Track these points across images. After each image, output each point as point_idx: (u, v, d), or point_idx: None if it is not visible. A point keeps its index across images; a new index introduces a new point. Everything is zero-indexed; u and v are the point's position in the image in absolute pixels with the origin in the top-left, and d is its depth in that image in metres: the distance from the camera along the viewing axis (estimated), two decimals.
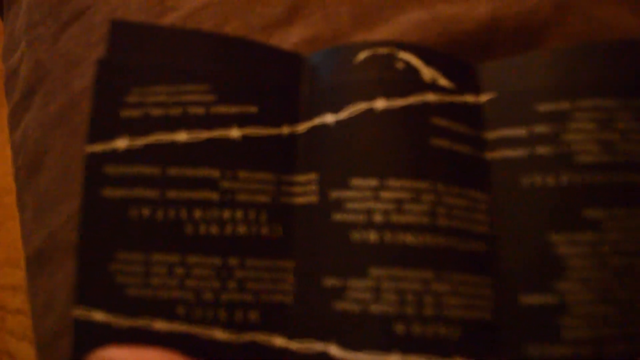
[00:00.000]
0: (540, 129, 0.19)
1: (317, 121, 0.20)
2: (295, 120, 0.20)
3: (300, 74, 0.21)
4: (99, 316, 0.17)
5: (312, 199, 0.19)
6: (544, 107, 0.19)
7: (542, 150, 0.19)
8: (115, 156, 0.18)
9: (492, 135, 0.20)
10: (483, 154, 0.20)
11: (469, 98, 0.20)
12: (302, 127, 0.20)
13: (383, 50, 0.20)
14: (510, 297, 0.18)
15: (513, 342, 0.18)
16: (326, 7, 0.24)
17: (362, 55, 0.20)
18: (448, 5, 0.24)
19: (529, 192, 0.19)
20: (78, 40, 0.27)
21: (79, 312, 0.17)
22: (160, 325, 0.18)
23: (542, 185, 0.19)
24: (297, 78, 0.21)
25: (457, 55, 0.22)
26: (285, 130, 0.20)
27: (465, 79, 0.21)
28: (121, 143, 0.19)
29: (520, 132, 0.19)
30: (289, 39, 0.24)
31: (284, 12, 0.25)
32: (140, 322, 0.17)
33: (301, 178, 0.20)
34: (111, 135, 0.19)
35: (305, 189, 0.20)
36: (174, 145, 0.19)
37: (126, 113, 0.19)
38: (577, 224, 0.18)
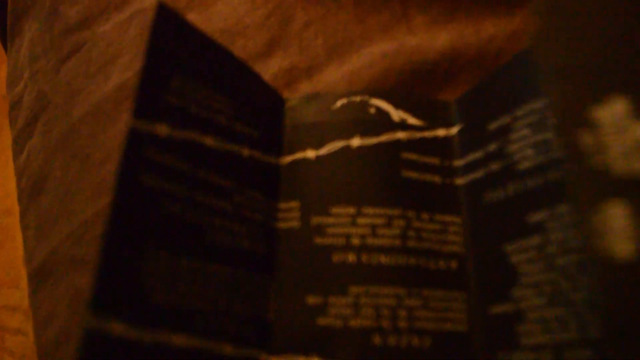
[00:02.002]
0: (491, 147, 0.21)
1: (298, 155, 0.22)
2: (279, 153, 0.22)
3: (283, 112, 0.23)
4: (118, 329, 0.14)
5: (294, 224, 0.21)
6: (492, 126, 0.21)
7: (493, 166, 0.20)
8: (156, 141, 0.17)
9: (460, 162, 0.22)
10: (453, 180, 0.22)
11: (441, 132, 0.22)
12: (285, 160, 0.22)
13: (357, 98, 0.22)
14: (481, 309, 0.19)
15: (486, 351, 0.19)
16: (302, 39, 0.27)
17: (339, 103, 0.23)
18: (411, 37, 0.26)
19: (488, 208, 0.20)
20: (77, 72, 0.30)
21: (95, 324, 0.13)
22: (179, 340, 0.16)
23: (496, 200, 0.20)
24: (281, 115, 0.23)
25: (431, 95, 0.24)
26: (273, 160, 0.22)
27: (437, 116, 0.23)
28: (161, 129, 0.17)
29: (479, 154, 0.21)
30: (269, 69, 0.26)
31: (263, 45, 0.27)
32: (161, 336, 0.15)
33: (283, 205, 0.22)
34: (155, 117, 0.17)
35: (286, 215, 0.21)
36: (203, 147, 0.19)
37: (168, 98, 0.17)
38: (523, 231, 0.19)
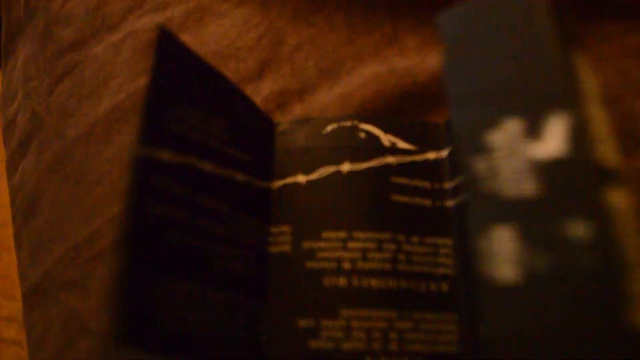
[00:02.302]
0: None
1: (289, 180, 0.22)
2: (270, 177, 0.23)
3: (274, 136, 0.23)
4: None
5: (285, 248, 0.21)
6: None
7: None
8: (160, 167, 0.17)
9: (449, 185, 0.22)
10: (444, 203, 0.22)
11: (431, 155, 0.23)
12: (276, 184, 0.23)
13: (347, 123, 0.23)
14: (472, 330, 0.20)
15: None
16: (294, 61, 0.27)
17: (329, 128, 0.23)
18: (402, 59, 0.26)
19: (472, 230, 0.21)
20: (70, 93, 0.30)
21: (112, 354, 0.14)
22: None
23: None
24: (272, 139, 0.23)
25: (422, 117, 0.25)
26: (265, 184, 0.22)
27: (427, 139, 0.23)
28: (164, 155, 0.17)
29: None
30: (261, 91, 0.26)
31: (255, 67, 0.27)
32: None
33: (274, 229, 0.22)
34: (158, 143, 0.17)
35: (277, 239, 0.22)
36: (202, 172, 0.19)
37: (171, 124, 0.17)
38: None
